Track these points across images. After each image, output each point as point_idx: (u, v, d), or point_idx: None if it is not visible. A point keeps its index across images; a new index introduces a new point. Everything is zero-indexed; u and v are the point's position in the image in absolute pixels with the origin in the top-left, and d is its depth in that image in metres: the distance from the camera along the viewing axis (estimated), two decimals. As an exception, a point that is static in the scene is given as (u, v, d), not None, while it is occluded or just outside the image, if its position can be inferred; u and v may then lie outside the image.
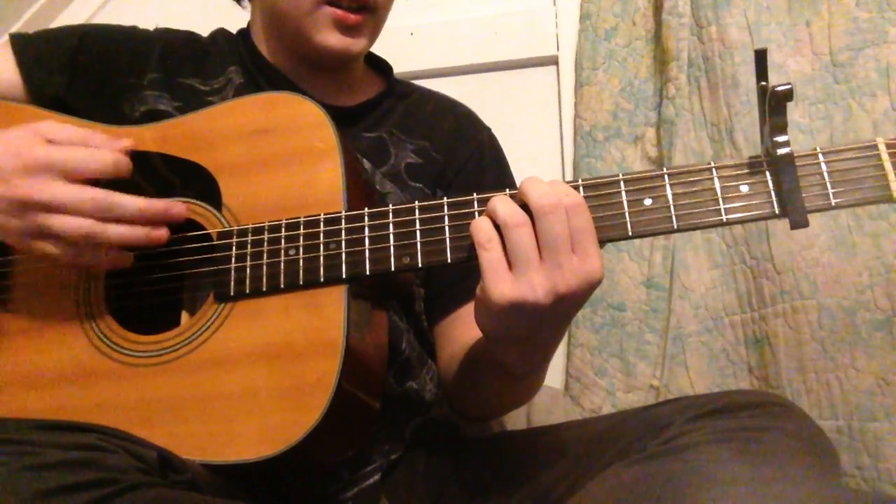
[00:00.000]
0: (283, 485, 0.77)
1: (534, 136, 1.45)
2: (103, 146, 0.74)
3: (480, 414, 0.98)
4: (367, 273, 0.71)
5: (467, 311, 0.96)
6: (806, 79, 1.20)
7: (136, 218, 0.72)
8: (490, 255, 0.64)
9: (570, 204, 0.64)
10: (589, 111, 1.36)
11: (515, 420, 1.20)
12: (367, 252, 0.72)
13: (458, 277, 0.95)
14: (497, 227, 0.65)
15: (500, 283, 0.64)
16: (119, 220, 0.72)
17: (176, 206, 0.75)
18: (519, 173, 1.06)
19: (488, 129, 1.08)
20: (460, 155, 1.01)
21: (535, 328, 0.67)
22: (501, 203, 0.65)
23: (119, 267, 0.75)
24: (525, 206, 0.65)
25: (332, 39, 0.90)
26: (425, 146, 0.99)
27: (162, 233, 0.74)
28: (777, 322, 1.15)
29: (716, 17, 1.25)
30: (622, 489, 0.66)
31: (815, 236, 1.14)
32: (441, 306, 0.97)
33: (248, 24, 1.03)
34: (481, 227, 0.66)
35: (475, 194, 0.71)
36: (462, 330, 0.95)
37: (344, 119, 0.86)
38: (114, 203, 0.71)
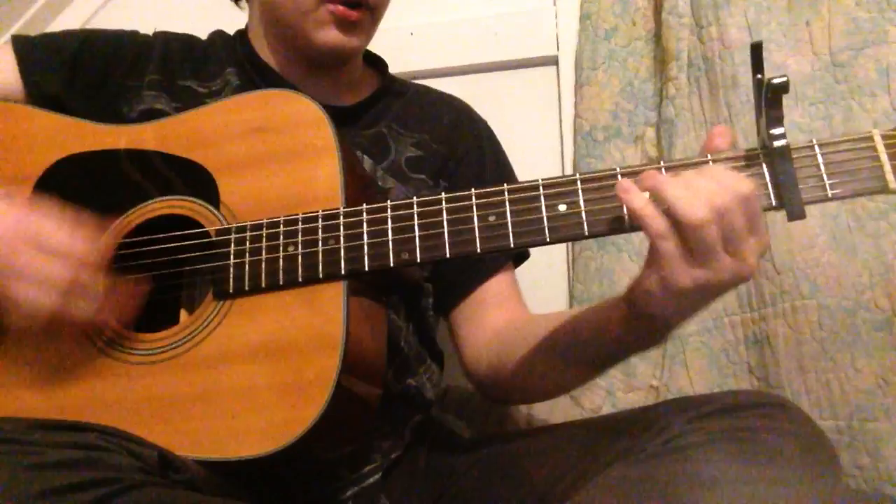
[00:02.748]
0: (284, 484, 0.76)
1: (534, 136, 1.45)
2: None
3: (528, 399, 0.98)
4: (366, 269, 0.71)
5: (489, 293, 0.96)
6: (806, 79, 1.20)
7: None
8: (670, 245, 0.63)
9: (743, 196, 0.63)
10: (589, 111, 1.36)
11: (515, 420, 1.20)
12: (365, 248, 0.72)
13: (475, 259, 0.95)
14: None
15: (690, 270, 0.63)
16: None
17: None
18: (519, 173, 1.07)
19: (485, 123, 1.09)
20: (461, 146, 1.01)
21: (698, 305, 0.68)
22: (677, 196, 0.62)
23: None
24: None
25: (331, 37, 0.90)
26: (425, 139, 0.99)
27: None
28: (777, 322, 1.14)
29: (716, 17, 1.25)
30: (622, 489, 0.66)
31: (815, 236, 1.14)
32: (459, 288, 0.97)
33: (246, 25, 1.03)
34: (657, 219, 0.63)
35: (473, 189, 0.71)
36: (492, 314, 0.95)
37: (343, 118, 0.86)
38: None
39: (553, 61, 1.46)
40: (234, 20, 1.06)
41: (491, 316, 0.95)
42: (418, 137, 0.99)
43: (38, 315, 0.68)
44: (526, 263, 1.05)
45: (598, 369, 0.83)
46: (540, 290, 1.29)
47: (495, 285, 0.97)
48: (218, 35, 1.03)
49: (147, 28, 1.03)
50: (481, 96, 1.20)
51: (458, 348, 0.97)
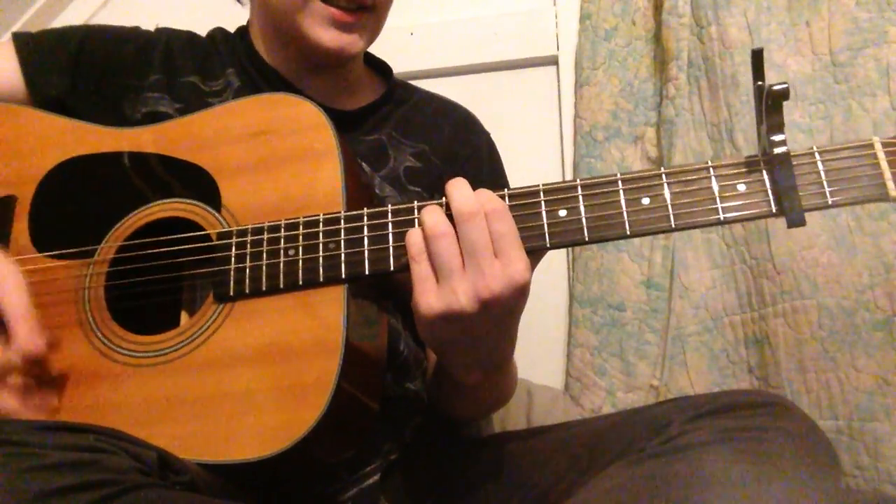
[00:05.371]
0: (283, 485, 0.77)
1: (534, 136, 1.45)
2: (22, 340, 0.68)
3: (462, 417, 0.99)
4: (367, 273, 0.71)
5: None
6: (806, 79, 1.20)
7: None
8: (420, 268, 0.67)
9: (491, 210, 0.66)
10: (589, 111, 1.36)
11: (515, 420, 1.20)
12: (366, 252, 0.72)
13: None
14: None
15: (427, 295, 0.66)
16: None
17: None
18: (519, 173, 1.06)
19: (487, 135, 1.07)
20: (457, 160, 1.01)
21: (469, 336, 0.69)
22: (428, 214, 0.68)
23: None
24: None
25: (327, 36, 0.89)
26: (424, 150, 0.98)
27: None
28: (777, 322, 1.15)
29: (716, 17, 1.25)
30: (622, 489, 0.66)
31: (815, 236, 1.14)
32: None
33: (248, 23, 1.02)
34: (414, 241, 0.68)
35: None
36: None
37: (344, 123, 0.86)
38: None
39: (553, 61, 1.46)
40: (235, 18, 1.06)
41: None
42: (418, 148, 0.98)
43: None
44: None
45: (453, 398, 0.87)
46: (540, 290, 1.29)
47: None
48: (218, 32, 1.03)
49: (148, 25, 1.02)
50: (481, 96, 1.21)
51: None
